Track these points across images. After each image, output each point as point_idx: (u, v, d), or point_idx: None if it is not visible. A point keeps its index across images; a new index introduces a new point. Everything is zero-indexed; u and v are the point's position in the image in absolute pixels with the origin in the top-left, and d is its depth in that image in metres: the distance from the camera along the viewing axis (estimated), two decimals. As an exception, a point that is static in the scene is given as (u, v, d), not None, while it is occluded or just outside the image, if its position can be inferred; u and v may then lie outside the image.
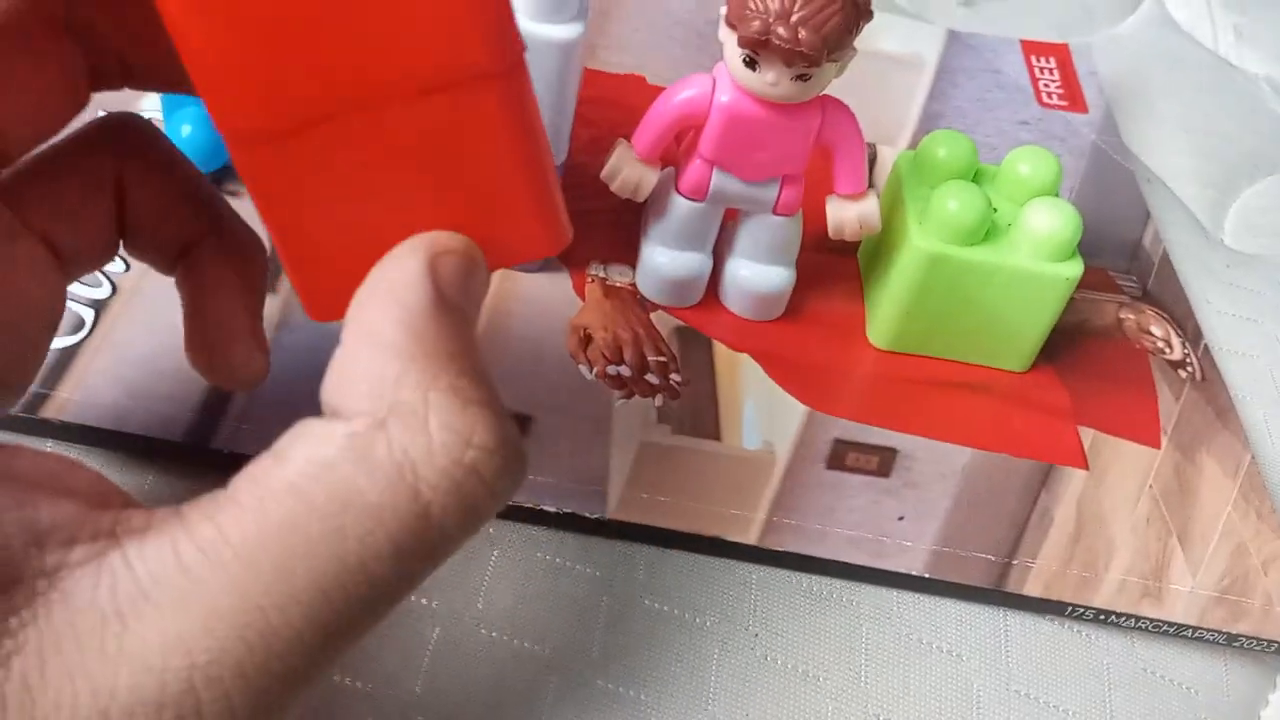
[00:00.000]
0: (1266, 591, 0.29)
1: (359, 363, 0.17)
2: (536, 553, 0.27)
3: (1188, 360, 0.35)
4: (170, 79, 0.21)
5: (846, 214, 0.32)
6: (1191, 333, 0.36)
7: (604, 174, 0.31)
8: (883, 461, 0.30)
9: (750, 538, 0.28)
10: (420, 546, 0.16)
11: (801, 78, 0.28)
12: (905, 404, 0.32)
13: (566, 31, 0.28)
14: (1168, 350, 0.35)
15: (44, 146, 0.21)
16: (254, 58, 0.17)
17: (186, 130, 0.32)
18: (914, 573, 0.28)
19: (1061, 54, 0.48)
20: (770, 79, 0.28)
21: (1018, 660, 0.28)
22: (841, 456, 0.30)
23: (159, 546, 0.16)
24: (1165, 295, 0.38)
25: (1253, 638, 0.29)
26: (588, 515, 0.27)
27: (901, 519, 0.29)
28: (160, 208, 0.22)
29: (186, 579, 0.15)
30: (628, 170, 0.31)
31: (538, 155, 0.20)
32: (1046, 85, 0.46)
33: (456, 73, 0.18)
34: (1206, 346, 0.36)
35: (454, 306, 0.18)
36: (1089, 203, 0.41)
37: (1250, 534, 0.31)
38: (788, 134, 0.30)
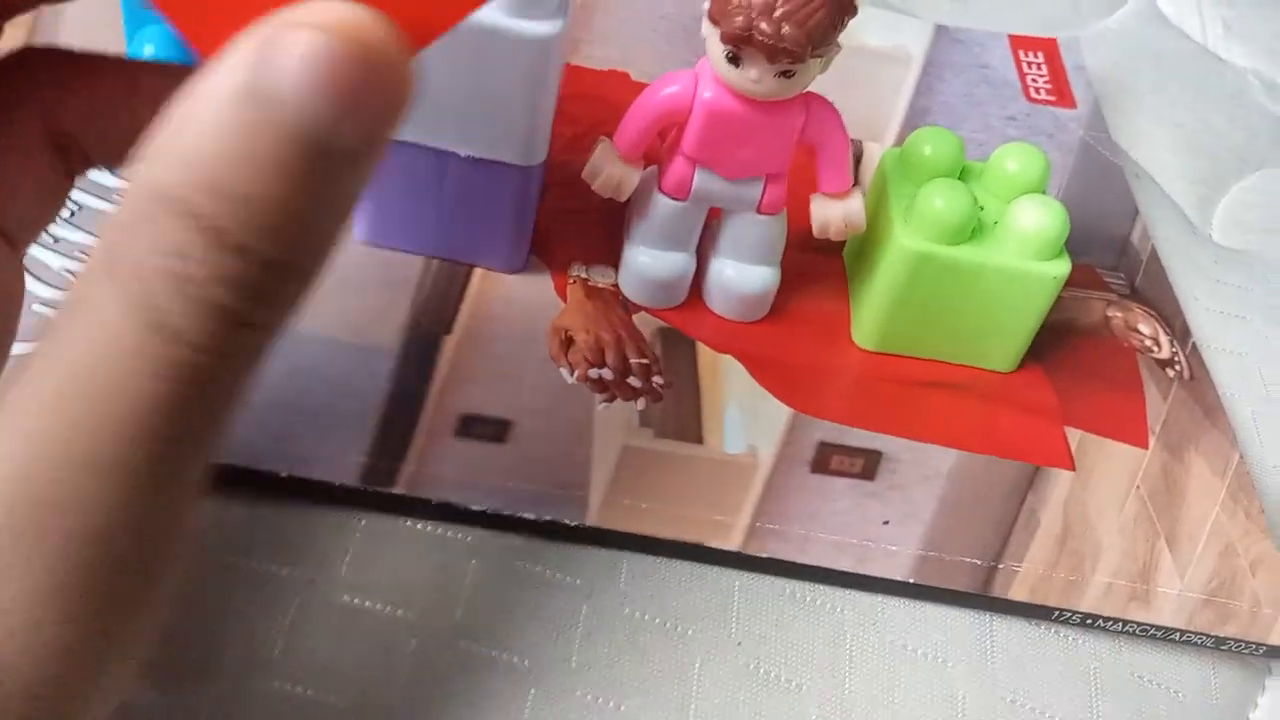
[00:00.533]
0: (1254, 593, 0.29)
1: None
2: (515, 561, 0.26)
3: (1176, 358, 0.35)
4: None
5: (831, 212, 0.31)
6: (1180, 330, 0.36)
7: (585, 173, 0.31)
8: (867, 464, 0.30)
9: (733, 544, 0.27)
10: None
11: (785, 74, 0.28)
12: (890, 405, 0.32)
13: (545, 28, 0.27)
14: (1156, 349, 0.35)
15: None
16: None
17: (149, 50, 0.31)
18: (899, 578, 0.27)
19: (1049, 49, 0.47)
20: (753, 76, 0.28)
21: (1003, 666, 0.27)
22: (826, 459, 0.30)
23: None
24: (1153, 292, 0.37)
25: (1240, 640, 0.28)
26: (568, 523, 0.27)
27: (886, 523, 0.29)
28: (112, 125, 0.19)
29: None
30: (609, 169, 0.30)
31: None
32: (1034, 80, 0.45)
33: None
34: (1195, 344, 0.36)
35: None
36: (1077, 199, 0.40)
37: (1238, 534, 0.30)
38: (771, 131, 0.29)
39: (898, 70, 0.44)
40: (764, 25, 0.26)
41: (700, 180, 0.30)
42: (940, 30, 0.46)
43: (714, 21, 0.27)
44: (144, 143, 0.14)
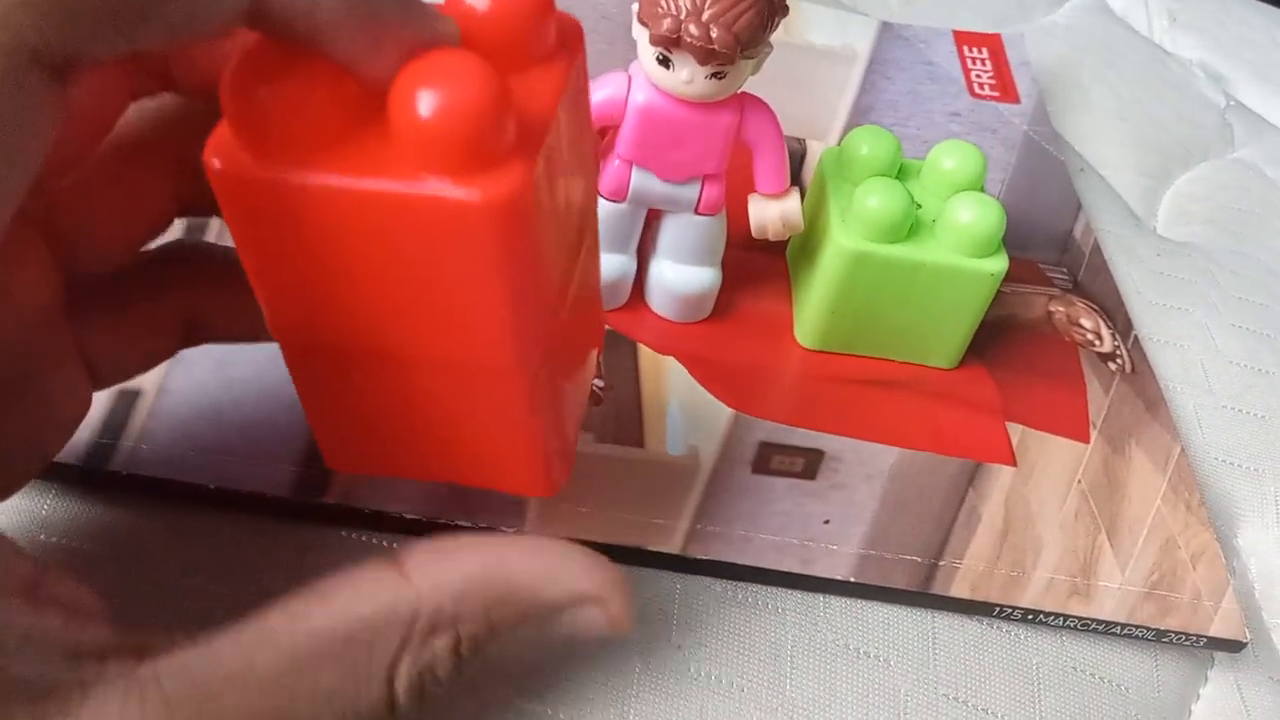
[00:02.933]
0: (1195, 585, 0.29)
1: (465, 562, 0.20)
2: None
3: (1118, 352, 0.35)
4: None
5: (768, 213, 0.31)
6: (1122, 324, 0.36)
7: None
8: (808, 464, 0.30)
9: (673, 547, 0.27)
10: None
11: (716, 75, 0.27)
12: (832, 404, 0.32)
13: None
14: (1097, 343, 0.35)
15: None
16: (304, 295, 0.19)
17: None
18: (840, 577, 0.27)
19: (994, 44, 0.47)
20: (685, 77, 0.27)
21: (945, 663, 0.27)
22: (767, 460, 0.30)
23: (184, 668, 0.17)
24: (1096, 287, 0.37)
25: (1182, 633, 0.28)
26: (505, 530, 0.26)
27: (827, 522, 0.29)
28: (234, 325, 0.24)
29: (211, 704, 0.17)
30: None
31: (551, 424, 0.22)
32: (979, 76, 0.45)
33: (483, 361, 0.20)
34: (1136, 337, 0.36)
35: (546, 627, 0.21)
36: (1020, 194, 0.40)
37: (1179, 527, 0.31)
38: (706, 132, 0.29)
39: (843, 68, 0.44)
40: (692, 28, 0.26)
41: (637, 182, 0.30)
42: (885, 27, 0.47)
43: (643, 23, 0.27)
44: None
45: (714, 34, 0.26)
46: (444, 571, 0.19)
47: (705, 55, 0.26)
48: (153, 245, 0.23)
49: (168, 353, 0.24)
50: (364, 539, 0.27)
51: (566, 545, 0.21)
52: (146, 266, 0.23)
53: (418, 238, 0.17)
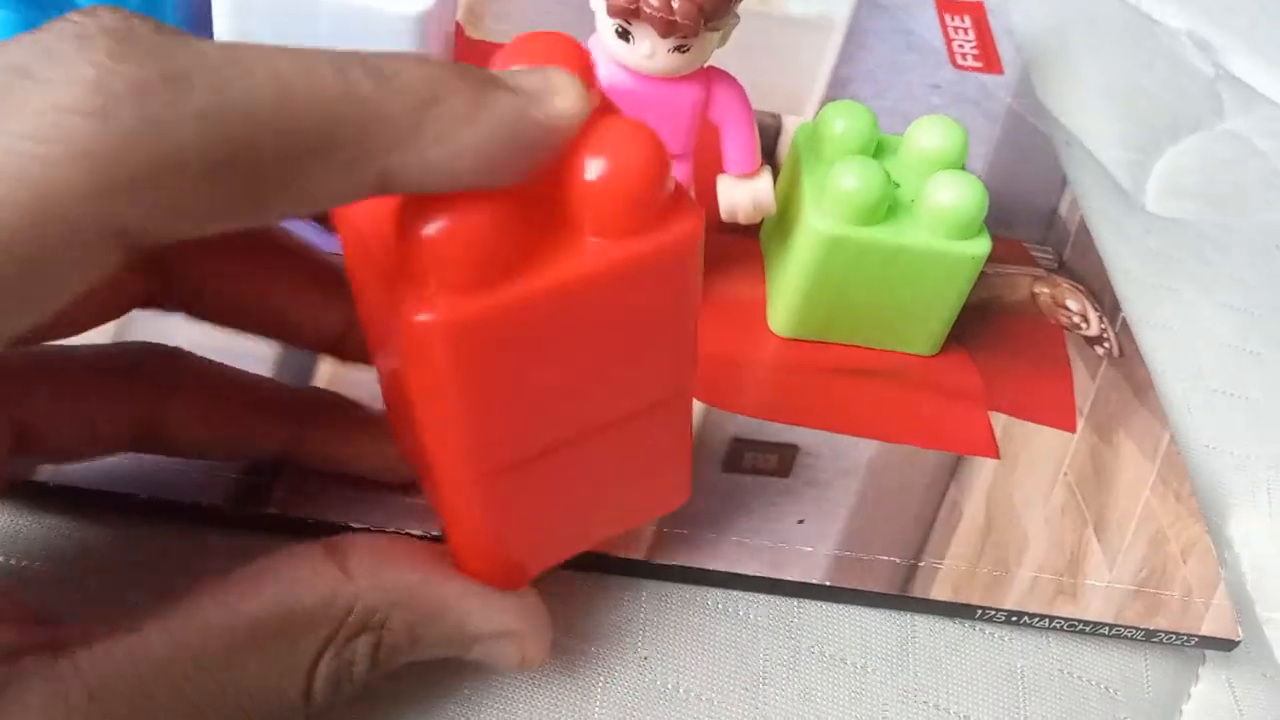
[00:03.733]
0: (1186, 581, 0.28)
1: (407, 571, 0.20)
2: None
3: (1105, 335, 0.34)
4: (222, 317, 0.23)
5: (738, 195, 0.29)
6: (1109, 305, 0.35)
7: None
8: (782, 460, 0.28)
9: (638, 552, 0.26)
10: None
11: (680, 49, 0.26)
12: (808, 396, 0.30)
13: (414, 6, 0.25)
14: (1084, 325, 0.34)
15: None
16: (517, 410, 0.19)
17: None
18: (814, 581, 0.26)
19: (977, 12, 0.46)
20: (645, 51, 0.26)
21: (925, 668, 0.26)
22: (739, 457, 0.28)
23: (108, 658, 0.17)
24: (1082, 266, 0.36)
25: (1172, 633, 0.27)
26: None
27: (801, 522, 0.27)
28: (209, 434, 0.23)
29: (138, 692, 0.17)
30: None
31: (691, 436, 0.23)
32: (961, 46, 0.44)
33: (663, 396, 0.21)
34: (1124, 319, 0.35)
35: (464, 648, 0.21)
36: (1003, 170, 0.39)
37: (1169, 519, 0.29)
38: (670, 110, 0.27)
39: (819, 38, 0.42)
40: (652, -3, 0.24)
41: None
42: (864, -5, 0.45)
43: (600, -7, 0.25)
44: None
45: (675, 4, 0.24)
46: (384, 576, 0.19)
47: (667, 27, 0.25)
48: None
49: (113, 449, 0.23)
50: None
51: (491, 590, 0.21)
52: (100, 363, 0.22)
53: (621, 299, 0.19)
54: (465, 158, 0.16)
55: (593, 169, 0.17)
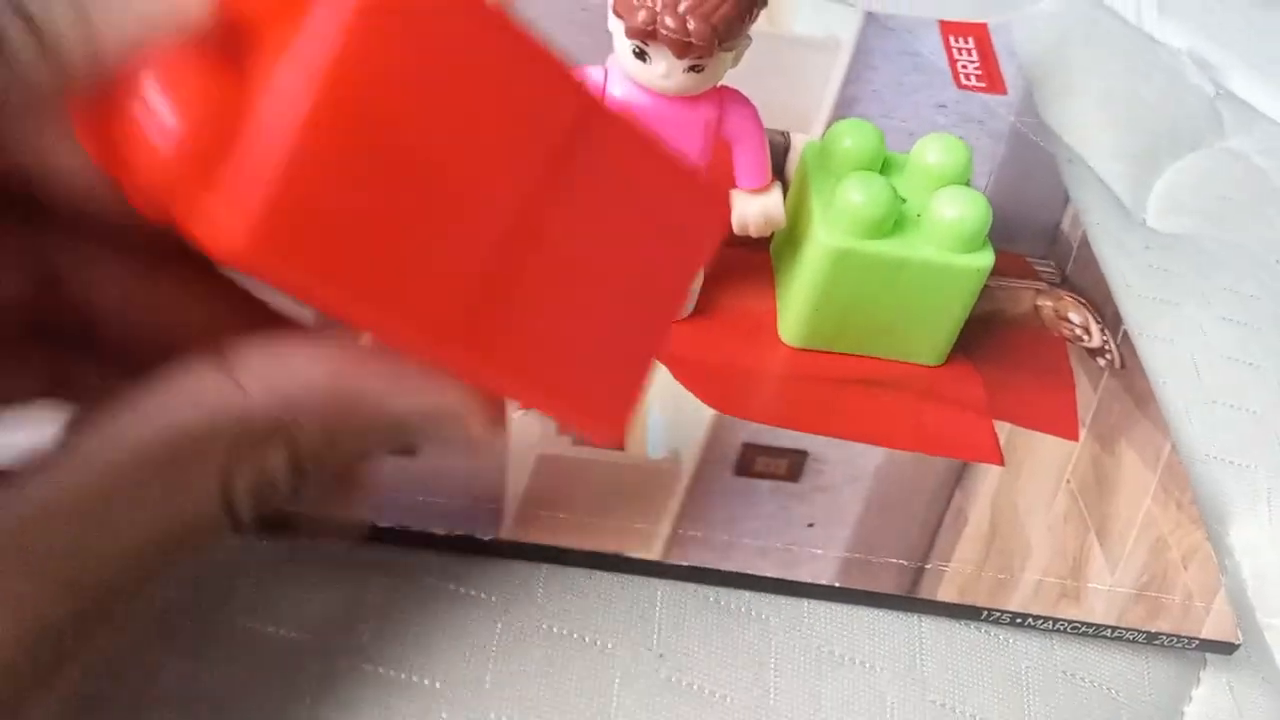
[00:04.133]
0: (1186, 586, 0.29)
1: (302, 368, 0.18)
2: (426, 578, 0.26)
3: (1106, 347, 0.35)
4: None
5: (750, 209, 0.30)
6: (1110, 318, 0.36)
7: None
8: (792, 465, 0.29)
9: (654, 553, 0.26)
10: None
11: (694, 69, 0.27)
12: (816, 404, 0.31)
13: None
14: (1086, 338, 0.35)
15: None
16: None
17: None
18: (824, 582, 0.27)
19: (980, 33, 0.47)
20: (661, 71, 0.27)
21: (933, 668, 0.27)
22: (750, 462, 0.29)
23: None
24: (1084, 280, 0.37)
25: (1173, 635, 0.28)
26: (480, 537, 0.26)
27: (811, 525, 0.28)
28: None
29: (22, 546, 0.16)
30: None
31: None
32: (965, 66, 0.45)
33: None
34: (1126, 332, 0.35)
35: (398, 435, 0.19)
36: (1007, 187, 0.40)
37: (1170, 526, 0.30)
38: (684, 127, 0.28)
39: (827, 58, 0.43)
40: (669, 20, 0.25)
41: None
42: (870, 17, 0.46)
43: (618, 15, 0.26)
44: None
45: (691, 26, 0.25)
46: (277, 377, 0.18)
47: (682, 48, 0.26)
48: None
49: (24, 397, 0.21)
50: (333, 547, 0.26)
51: (413, 366, 0.18)
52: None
53: None
54: None
55: None
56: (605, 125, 0.18)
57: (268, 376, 0.17)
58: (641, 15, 0.25)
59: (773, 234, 0.33)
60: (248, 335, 0.18)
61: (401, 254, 0.16)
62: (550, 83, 0.17)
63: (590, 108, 0.18)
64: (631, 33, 0.26)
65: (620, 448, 0.19)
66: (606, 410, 0.20)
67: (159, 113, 0.15)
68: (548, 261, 0.18)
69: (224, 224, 0.14)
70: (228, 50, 0.15)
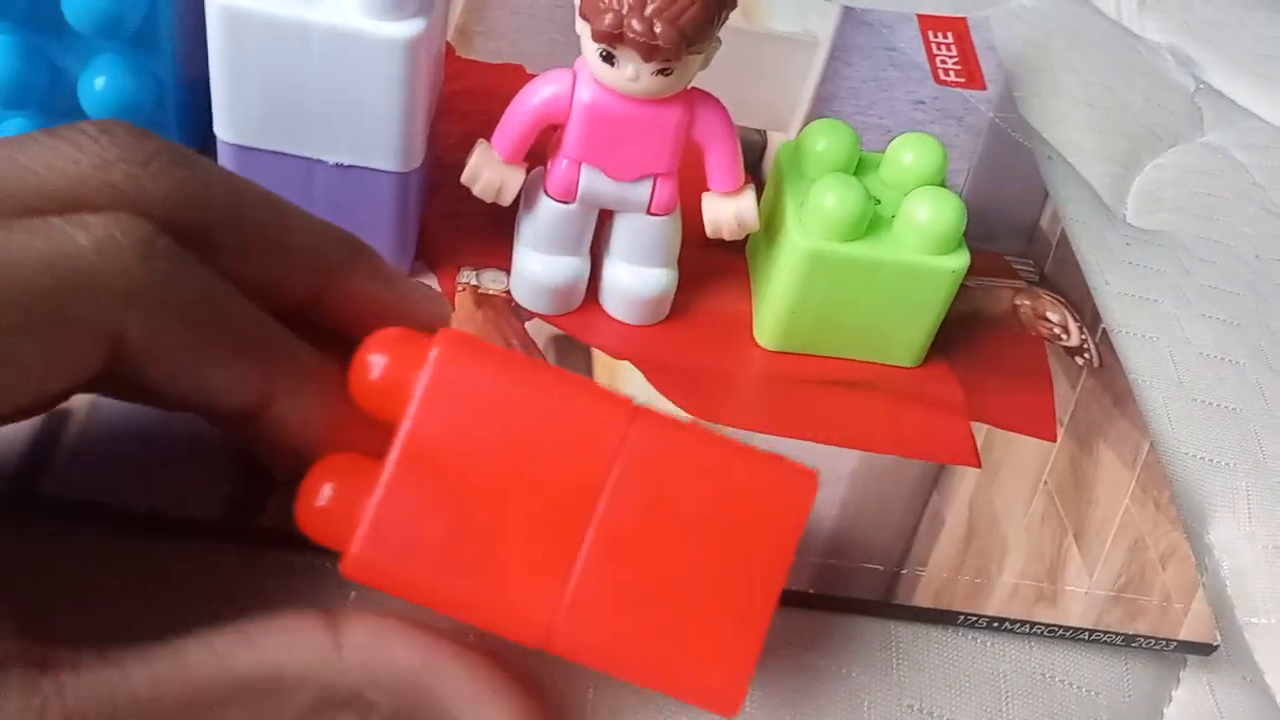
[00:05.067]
0: (1165, 587, 0.29)
1: (406, 652, 0.20)
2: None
3: (1085, 346, 0.34)
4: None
5: (722, 212, 0.30)
6: (1089, 317, 0.35)
7: (464, 178, 0.29)
8: (768, 471, 0.29)
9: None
10: None
11: (662, 72, 0.26)
12: (792, 407, 0.31)
13: (404, 29, 0.26)
14: (1064, 336, 0.34)
15: None
16: None
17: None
18: (798, 589, 0.27)
19: (959, 28, 0.46)
20: (630, 74, 0.26)
21: (909, 674, 0.27)
22: (724, 468, 0.29)
23: (90, 685, 0.17)
24: (1063, 279, 0.37)
25: (1151, 637, 0.28)
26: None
27: (787, 532, 0.28)
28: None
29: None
30: (489, 173, 0.29)
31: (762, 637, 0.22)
32: (944, 62, 0.44)
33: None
34: (1105, 330, 0.35)
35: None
36: (986, 184, 0.40)
37: (1149, 526, 0.30)
38: (654, 130, 0.28)
39: (804, 55, 0.43)
40: (635, 23, 0.25)
41: (586, 181, 0.29)
42: (848, 12, 0.45)
43: (585, 18, 0.26)
44: None
45: (658, 30, 0.25)
46: (378, 656, 0.20)
47: (649, 51, 0.25)
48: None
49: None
50: (310, 561, 0.25)
51: (502, 676, 0.21)
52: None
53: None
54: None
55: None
56: (654, 429, 0.21)
57: (365, 649, 0.20)
58: (608, 18, 0.25)
59: (748, 236, 0.33)
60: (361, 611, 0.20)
61: (481, 568, 0.20)
62: (595, 403, 0.21)
63: (638, 416, 0.21)
64: (598, 36, 0.26)
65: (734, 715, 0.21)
66: (719, 683, 0.21)
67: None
68: (623, 561, 0.20)
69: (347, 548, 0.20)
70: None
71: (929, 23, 0.46)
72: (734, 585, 0.21)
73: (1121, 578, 0.29)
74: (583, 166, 0.29)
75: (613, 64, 0.26)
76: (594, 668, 0.21)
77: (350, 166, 0.28)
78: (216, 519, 0.25)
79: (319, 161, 0.28)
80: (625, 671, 0.21)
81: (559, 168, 0.29)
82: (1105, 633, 0.28)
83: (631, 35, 0.25)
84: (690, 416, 0.30)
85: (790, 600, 0.27)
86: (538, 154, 0.30)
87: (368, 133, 0.27)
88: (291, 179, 0.28)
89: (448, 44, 0.40)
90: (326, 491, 0.21)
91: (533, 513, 0.20)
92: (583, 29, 0.26)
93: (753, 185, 0.31)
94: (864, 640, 0.27)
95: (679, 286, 0.32)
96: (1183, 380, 0.35)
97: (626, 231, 0.30)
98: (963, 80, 0.44)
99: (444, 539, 0.20)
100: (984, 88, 0.44)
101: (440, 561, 0.20)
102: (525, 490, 0.20)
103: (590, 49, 0.26)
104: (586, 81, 0.28)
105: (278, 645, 0.19)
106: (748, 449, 0.22)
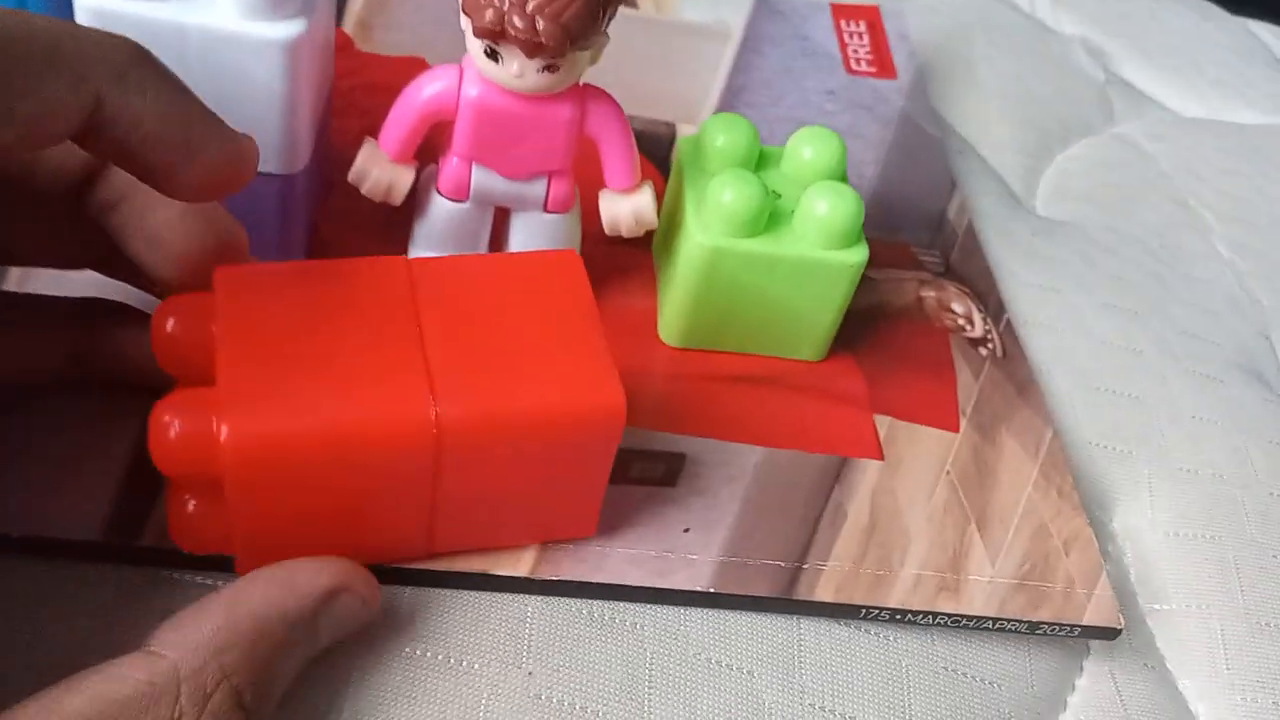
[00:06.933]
0: (1068, 573, 0.29)
1: (207, 617, 0.20)
2: (282, 605, 0.25)
3: (989, 337, 0.34)
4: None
5: (620, 209, 0.30)
6: (994, 307, 0.36)
7: (351, 176, 0.29)
8: (669, 469, 0.29)
9: (522, 569, 0.26)
10: None
11: (549, 69, 0.26)
12: (696, 404, 0.30)
13: (284, 30, 0.25)
14: (969, 327, 0.35)
15: None
16: None
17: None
18: (699, 589, 0.26)
19: (872, 16, 0.46)
20: (514, 71, 0.26)
21: (812, 671, 0.27)
22: (625, 468, 0.28)
23: None
24: (969, 269, 0.37)
25: (1054, 624, 0.28)
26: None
27: (687, 530, 0.27)
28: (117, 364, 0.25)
29: None
30: (377, 172, 0.28)
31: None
32: (855, 51, 0.44)
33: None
34: (1009, 321, 0.35)
35: (311, 633, 0.22)
36: (895, 174, 0.40)
37: (1051, 514, 0.30)
38: (544, 127, 0.28)
39: (716, 45, 0.43)
40: (516, 20, 0.24)
41: (479, 180, 0.29)
42: (760, 1, 0.45)
43: (466, 14, 0.25)
44: None
45: (540, 26, 0.24)
46: (190, 634, 0.20)
47: (532, 49, 0.25)
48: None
49: (43, 376, 0.25)
50: (192, 579, 0.25)
51: (288, 561, 0.22)
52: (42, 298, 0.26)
53: None
54: (168, 122, 0.20)
55: None
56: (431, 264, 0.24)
57: (182, 639, 0.20)
58: (489, 15, 0.25)
59: (653, 232, 0.32)
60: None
61: (351, 396, 0.22)
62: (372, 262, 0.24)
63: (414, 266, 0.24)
64: (479, 32, 0.25)
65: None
66: (576, 519, 0.26)
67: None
68: (466, 346, 0.23)
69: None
70: None
71: (842, 11, 0.46)
72: (559, 328, 0.24)
73: (1025, 565, 0.29)
74: (474, 164, 0.28)
75: (498, 61, 0.26)
76: (490, 445, 0.23)
77: (233, 168, 0.27)
78: (96, 541, 0.24)
79: (200, 163, 0.27)
80: (520, 428, 0.23)
81: (450, 165, 0.28)
82: (1009, 620, 0.28)
83: (513, 32, 0.25)
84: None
85: (691, 600, 0.26)
86: (433, 151, 0.29)
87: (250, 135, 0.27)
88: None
89: (346, 37, 0.39)
90: (175, 422, 0.21)
91: (368, 345, 0.22)
92: (466, 25, 0.26)
93: (651, 182, 0.30)
94: (766, 638, 0.27)
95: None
96: (1086, 369, 0.35)
97: (524, 229, 0.30)
98: (874, 70, 0.44)
99: (304, 387, 0.21)
100: (895, 77, 0.44)
101: (311, 402, 0.21)
102: (354, 333, 0.22)
103: (474, 45, 0.26)
104: (474, 78, 0.27)
105: (101, 680, 0.19)
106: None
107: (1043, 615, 0.28)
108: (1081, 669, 0.29)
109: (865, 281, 0.31)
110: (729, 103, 0.40)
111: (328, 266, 0.24)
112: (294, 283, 0.23)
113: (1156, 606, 0.31)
